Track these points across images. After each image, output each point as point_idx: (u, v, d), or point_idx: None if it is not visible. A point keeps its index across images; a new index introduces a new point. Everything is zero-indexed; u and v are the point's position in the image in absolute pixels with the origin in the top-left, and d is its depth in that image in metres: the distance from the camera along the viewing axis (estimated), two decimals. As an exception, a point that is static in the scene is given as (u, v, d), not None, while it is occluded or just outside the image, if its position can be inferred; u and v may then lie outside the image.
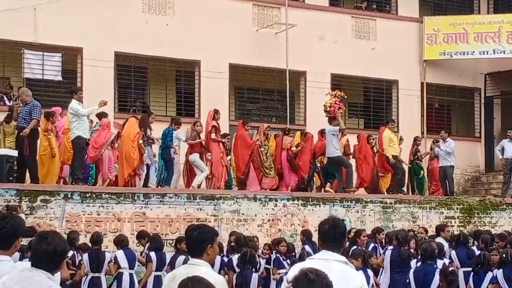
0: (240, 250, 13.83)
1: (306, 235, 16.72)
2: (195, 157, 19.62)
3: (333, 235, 6.13)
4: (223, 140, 20.28)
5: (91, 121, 19.30)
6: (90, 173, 19.43)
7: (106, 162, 18.97)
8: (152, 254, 14.32)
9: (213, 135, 19.95)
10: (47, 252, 5.44)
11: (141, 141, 19.03)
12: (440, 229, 17.62)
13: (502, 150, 24.15)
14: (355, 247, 14.92)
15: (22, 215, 14.88)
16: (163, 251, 14.76)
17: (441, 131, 24.18)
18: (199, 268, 6.07)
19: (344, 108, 21.78)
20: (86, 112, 17.82)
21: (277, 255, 15.03)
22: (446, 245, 15.79)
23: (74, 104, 17.65)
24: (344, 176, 21.27)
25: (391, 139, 21.97)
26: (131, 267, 14.41)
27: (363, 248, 15.31)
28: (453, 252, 15.10)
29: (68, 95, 19.03)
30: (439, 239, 15.98)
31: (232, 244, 15.06)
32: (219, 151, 20.07)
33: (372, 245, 16.44)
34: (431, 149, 23.83)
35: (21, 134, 16.97)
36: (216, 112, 20.30)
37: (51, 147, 17.66)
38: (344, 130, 21.30)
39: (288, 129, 22.16)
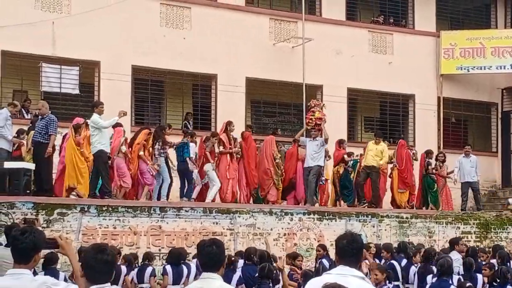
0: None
1: (323, 249, 16.65)
2: (208, 167, 19.69)
3: (350, 250, 6.10)
4: (231, 151, 20.22)
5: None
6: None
7: (115, 169, 18.99)
8: (168, 268, 14.33)
9: (221, 148, 20.02)
10: (108, 263, 5.53)
11: (141, 153, 19.08)
12: (454, 242, 17.36)
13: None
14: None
15: (39, 228, 14.94)
16: (181, 265, 14.73)
17: (465, 146, 24.25)
18: (215, 282, 6.11)
19: (309, 119, 21.20)
20: (107, 124, 17.88)
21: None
22: (460, 259, 15.54)
23: (95, 117, 17.74)
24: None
25: (368, 149, 21.81)
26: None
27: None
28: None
29: (86, 108, 19.12)
30: (453, 253, 15.77)
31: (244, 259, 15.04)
32: (226, 163, 20.08)
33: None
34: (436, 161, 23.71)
35: (46, 155, 17.11)
36: (228, 124, 20.34)
37: (86, 160, 17.80)
38: (297, 140, 21.30)
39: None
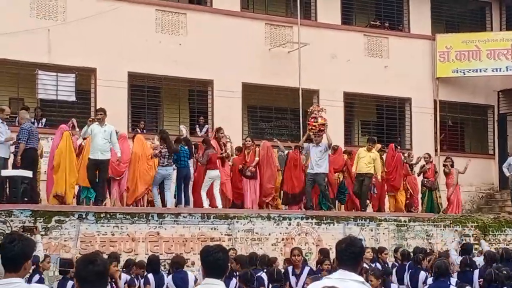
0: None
1: (323, 254, 16.57)
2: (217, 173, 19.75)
3: (349, 254, 6.10)
4: (223, 155, 20.37)
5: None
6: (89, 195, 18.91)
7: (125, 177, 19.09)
8: (150, 276, 14.21)
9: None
10: (99, 273, 5.47)
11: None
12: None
13: (509, 167, 24.20)
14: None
15: (39, 236, 14.92)
16: (161, 272, 14.65)
17: None
18: (218, 287, 6.10)
19: (312, 124, 20.98)
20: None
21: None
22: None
23: None
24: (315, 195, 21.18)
25: (359, 156, 21.75)
26: None
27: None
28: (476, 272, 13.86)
29: (82, 115, 19.13)
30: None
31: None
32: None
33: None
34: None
35: (14, 162, 17.25)
36: (217, 130, 20.62)
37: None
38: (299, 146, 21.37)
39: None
